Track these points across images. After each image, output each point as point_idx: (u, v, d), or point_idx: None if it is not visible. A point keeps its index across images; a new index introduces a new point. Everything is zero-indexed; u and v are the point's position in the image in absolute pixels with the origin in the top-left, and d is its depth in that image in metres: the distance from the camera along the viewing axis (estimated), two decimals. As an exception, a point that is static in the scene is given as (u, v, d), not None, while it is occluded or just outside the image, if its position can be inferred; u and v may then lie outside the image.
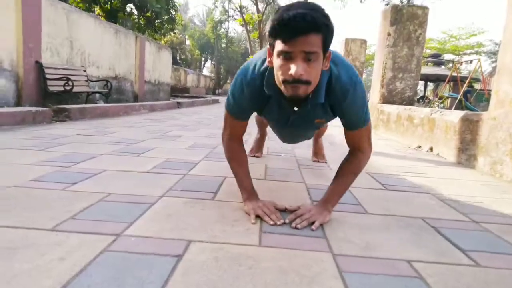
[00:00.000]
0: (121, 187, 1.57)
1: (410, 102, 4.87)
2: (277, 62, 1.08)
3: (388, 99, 4.87)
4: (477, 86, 13.97)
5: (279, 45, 1.05)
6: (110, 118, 5.00)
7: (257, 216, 1.28)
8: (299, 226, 1.21)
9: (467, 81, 10.23)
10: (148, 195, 1.47)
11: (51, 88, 5.42)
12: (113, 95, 7.73)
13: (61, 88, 5.54)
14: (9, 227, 1.08)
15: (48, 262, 0.88)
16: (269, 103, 1.32)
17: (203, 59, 38.43)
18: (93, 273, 0.84)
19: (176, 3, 13.96)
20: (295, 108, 1.29)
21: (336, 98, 1.23)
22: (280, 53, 1.06)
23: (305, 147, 3.03)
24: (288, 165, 2.33)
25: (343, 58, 1.29)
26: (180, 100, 10.33)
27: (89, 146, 2.54)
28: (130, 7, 12.52)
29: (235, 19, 29.70)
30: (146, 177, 1.79)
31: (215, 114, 7.25)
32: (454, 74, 11.06)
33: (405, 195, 1.75)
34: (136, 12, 12.73)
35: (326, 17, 1.04)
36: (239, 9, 25.40)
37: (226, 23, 33.26)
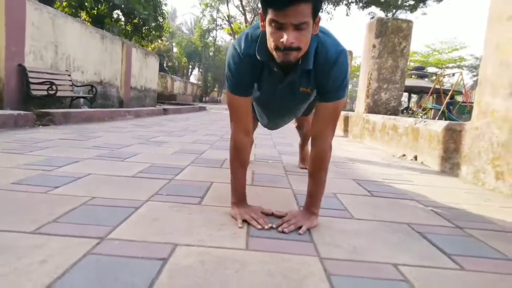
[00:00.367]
0: (105, 191, 1.53)
1: (394, 112, 4.96)
2: (269, 29, 1.12)
3: (373, 109, 4.94)
4: (459, 98, 14.34)
5: (270, 14, 1.09)
6: (94, 123, 4.92)
7: (244, 221, 1.27)
8: (286, 230, 1.20)
9: (449, 93, 10.49)
10: (133, 199, 1.45)
11: (34, 92, 5.31)
12: (98, 100, 7.63)
13: (45, 92, 5.44)
14: (-13, 229, 1.04)
15: (27, 265, 0.85)
16: (263, 74, 1.33)
17: (190, 66, 38.38)
18: (76, 276, 0.82)
19: (163, 11, 13.95)
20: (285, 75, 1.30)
21: (322, 64, 1.25)
22: (271, 21, 1.09)
23: (292, 154, 3.04)
24: (275, 171, 2.33)
25: (331, 33, 1.32)
26: (166, 106, 10.26)
27: (72, 151, 2.49)
28: (117, 13, 12.44)
29: (223, 28, 29.91)
30: (131, 181, 1.76)
31: (201, 121, 7.23)
32: (437, 86, 11.33)
33: (391, 201, 1.77)
34: (123, 19, 12.65)
35: None
36: (227, 19, 25.57)
37: (214, 31, 33.45)
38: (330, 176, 1.69)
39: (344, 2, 19.15)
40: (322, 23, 1.19)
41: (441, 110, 9.88)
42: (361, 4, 19.26)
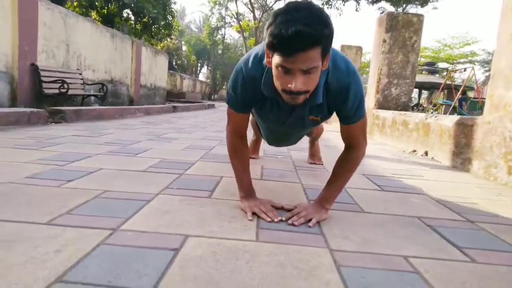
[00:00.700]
0: (117, 185, 1.56)
1: (405, 107, 4.91)
2: (275, 71, 1.06)
3: (383, 104, 4.90)
4: (470, 94, 14.12)
5: (277, 58, 1.02)
6: (105, 120, 4.98)
7: (254, 214, 1.28)
8: (296, 223, 1.21)
9: (461, 89, 10.34)
10: (144, 193, 1.46)
11: (46, 91, 5.40)
12: (109, 98, 7.72)
13: (56, 91, 5.52)
14: (4, 221, 1.06)
15: (43, 254, 0.87)
16: (266, 100, 1.31)
17: (199, 64, 38.48)
18: (89, 265, 0.84)
19: (173, 9, 13.99)
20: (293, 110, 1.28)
21: (334, 95, 1.22)
22: (278, 65, 1.03)
23: (301, 150, 3.03)
24: (285, 166, 2.33)
25: (337, 51, 1.24)
26: (175, 104, 10.32)
27: (84, 146, 2.53)
28: (127, 12, 12.53)
29: (231, 25, 29.90)
30: (142, 175, 1.78)
31: (210, 118, 7.25)
32: (448, 82, 11.18)
33: (401, 195, 1.76)
34: (133, 18, 12.73)
35: (325, 25, 0.99)
36: (235, 16, 25.57)
37: (223, 29, 33.45)
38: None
39: (354, -3, 18.99)
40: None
41: (452, 105, 9.74)
42: None
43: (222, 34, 34.35)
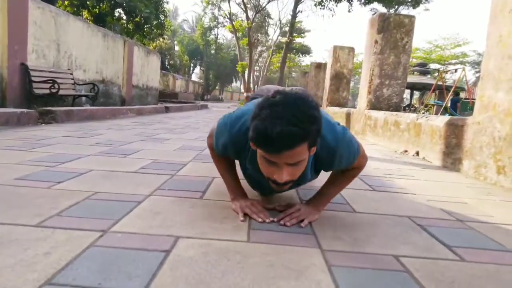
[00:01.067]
0: (108, 186, 1.55)
1: (396, 108, 4.95)
2: (260, 160, 1.03)
3: (375, 105, 4.93)
4: (462, 95, 14.28)
5: (262, 152, 0.99)
6: (96, 121, 4.94)
7: (245, 214, 1.28)
8: (288, 223, 1.21)
9: (452, 89, 10.44)
10: (135, 194, 1.46)
11: (36, 91, 5.33)
12: (100, 98, 7.66)
13: (47, 91, 5.46)
14: (-8, 223, 1.05)
15: (32, 256, 0.86)
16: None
17: (192, 65, 38.37)
18: (79, 267, 0.83)
19: (165, 9, 13.93)
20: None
21: (321, 161, 1.20)
22: (263, 157, 1.00)
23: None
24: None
25: (322, 115, 1.06)
26: (168, 104, 10.28)
27: (75, 147, 2.50)
28: (118, 11, 12.43)
29: (224, 26, 29.84)
30: (134, 177, 1.77)
31: (203, 119, 7.23)
32: (440, 83, 11.29)
33: (392, 195, 1.77)
34: (124, 17, 12.65)
35: (312, 121, 0.95)
36: (228, 16, 25.51)
37: (216, 29, 33.41)
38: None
39: (346, -2, 19.09)
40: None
41: (443, 106, 9.84)
42: (363, 0, 19.20)
43: (215, 34, 34.32)
